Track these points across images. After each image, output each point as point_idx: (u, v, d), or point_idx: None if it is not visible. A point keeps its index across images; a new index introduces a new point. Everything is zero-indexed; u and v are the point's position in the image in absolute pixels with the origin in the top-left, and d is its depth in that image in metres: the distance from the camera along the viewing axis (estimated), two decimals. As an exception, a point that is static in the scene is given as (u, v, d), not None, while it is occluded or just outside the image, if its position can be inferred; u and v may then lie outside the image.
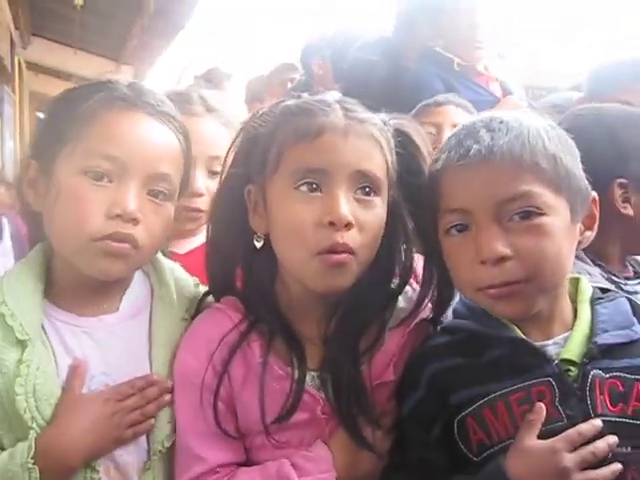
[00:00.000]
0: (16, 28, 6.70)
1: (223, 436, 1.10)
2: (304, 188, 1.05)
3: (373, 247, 1.08)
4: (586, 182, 1.06)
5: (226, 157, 1.19)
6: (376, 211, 1.08)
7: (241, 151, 1.15)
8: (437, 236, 1.09)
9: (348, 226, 1.03)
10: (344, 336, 1.11)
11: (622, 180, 1.39)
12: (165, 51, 7.01)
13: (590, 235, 1.09)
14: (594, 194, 1.08)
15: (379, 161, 1.08)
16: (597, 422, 0.96)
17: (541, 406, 0.98)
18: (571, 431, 0.96)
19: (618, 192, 1.39)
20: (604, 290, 1.15)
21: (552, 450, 0.94)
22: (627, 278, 1.45)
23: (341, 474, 1.07)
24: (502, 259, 0.98)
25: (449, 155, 1.04)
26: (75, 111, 1.11)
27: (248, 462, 1.13)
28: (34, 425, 1.05)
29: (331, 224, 1.02)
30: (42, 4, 6.11)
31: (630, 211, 1.40)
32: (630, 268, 1.50)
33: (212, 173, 1.58)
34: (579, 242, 1.07)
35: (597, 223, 1.09)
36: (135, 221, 1.09)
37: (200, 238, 1.60)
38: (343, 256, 1.03)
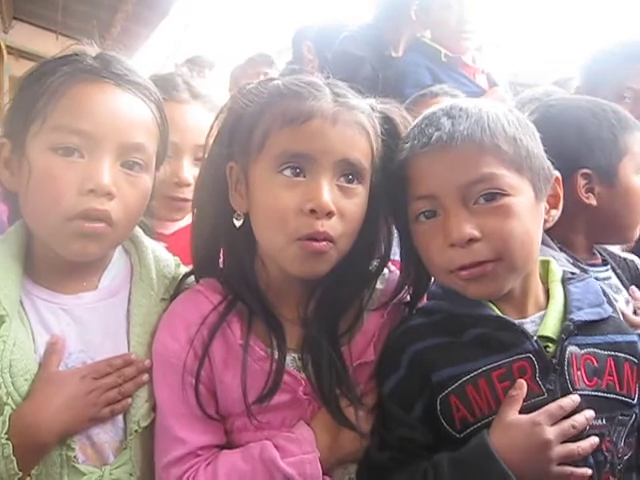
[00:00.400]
0: (-3, 12, 6.61)
1: (204, 418, 1.09)
2: (287, 172, 1.05)
3: (353, 235, 1.08)
4: (548, 162, 1.09)
5: (210, 131, 1.17)
6: (358, 200, 1.08)
7: (225, 128, 1.14)
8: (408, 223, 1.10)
9: (329, 214, 1.03)
10: (323, 317, 1.11)
11: (586, 170, 1.41)
12: (148, 39, 6.95)
13: (556, 214, 1.12)
14: (557, 173, 1.11)
15: (365, 149, 1.08)
16: (576, 397, 1.01)
17: (522, 382, 1.01)
18: (552, 405, 0.99)
19: (582, 182, 1.41)
20: (571, 273, 1.19)
21: (534, 424, 0.98)
22: (594, 265, 1.49)
23: (324, 454, 1.07)
24: (471, 241, 1.00)
25: (413, 144, 1.06)
26: (41, 86, 1.09)
27: (229, 445, 1.13)
28: (9, 401, 1.03)
29: (312, 212, 1.02)
30: (24, -12, 6.04)
31: (593, 201, 1.42)
32: (598, 256, 1.54)
33: (198, 161, 1.55)
34: (545, 221, 1.10)
35: (562, 202, 1.12)
36: (110, 195, 1.07)
37: (187, 219, 1.60)
38: (322, 244, 1.04)
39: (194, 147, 1.55)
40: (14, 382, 1.04)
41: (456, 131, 1.02)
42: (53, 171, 1.06)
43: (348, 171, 1.06)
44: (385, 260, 1.18)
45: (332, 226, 1.03)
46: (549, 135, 1.11)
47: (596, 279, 1.28)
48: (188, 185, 1.55)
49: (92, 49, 1.17)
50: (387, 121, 1.14)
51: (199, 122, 1.57)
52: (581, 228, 1.46)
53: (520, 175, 1.03)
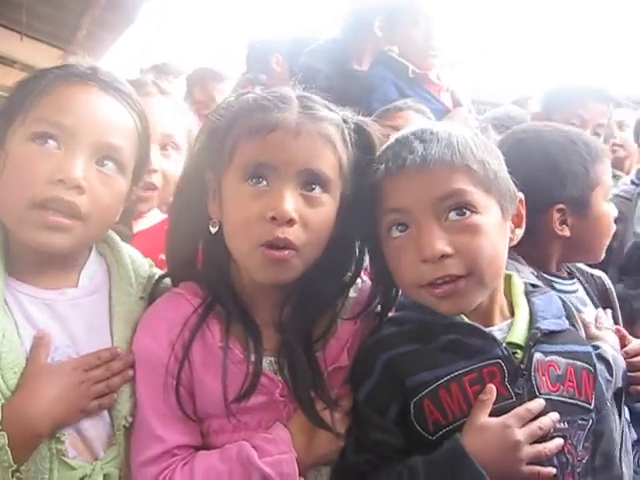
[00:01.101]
0: (-42, 10, 6.46)
1: (183, 419, 1.11)
2: (251, 182, 1.08)
3: (318, 244, 1.10)
4: (512, 184, 1.15)
5: (195, 142, 1.21)
6: (323, 209, 1.10)
7: (202, 140, 1.18)
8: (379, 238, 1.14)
9: (290, 222, 1.05)
10: (297, 323, 1.15)
11: (560, 206, 1.49)
12: (114, 44, 6.88)
13: (520, 232, 1.18)
14: (520, 195, 1.18)
15: (330, 160, 1.10)
16: (542, 400, 1.07)
17: (492, 387, 1.06)
18: (520, 408, 1.06)
19: (556, 216, 1.49)
20: (533, 286, 1.26)
21: (504, 426, 1.04)
22: (560, 277, 1.56)
23: (301, 455, 1.10)
24: (443, 257, 1.04)
25: (387, 165, 1.10)
26: (30, 86, 1.13)
27: (205, 447, 1.15)
28: None
29: (273, 219, 1.05)
30: (-12, -13, 5.93)
31: (567, 232, 1.51)
32: (564, 270, 1.61)
33: (165, 149, 1.61)
34: (510, 239, 1.15)
35: (524, 221, 1.19)
36: (80, 189, 1.08)
37: (148, 220, 1.62)
38: (284, 253, 1.06)
39: (161, 135, 1.59)
40: (3, 375, 1.05)
41: (428, 154, 1.06)
42: (27, 158, 1.08)
43: (311, 181, 1.09)
44: (358, 270, 1.22)
45: (294, 233, 1.06)
46: (522, 171, 1.17)
47: (562, 291, 1.37)
48: (155, 171, 1.56)
49: (86, 60, 1.20)
50: (361, 132, 1.17)
51: (165, 113, 1.62)
52: (555, 254, 1.55)
53: (488, 195, 1.09)
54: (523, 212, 1.18)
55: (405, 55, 2.74)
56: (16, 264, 1.14)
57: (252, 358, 1.11)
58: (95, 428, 1.13)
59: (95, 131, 1.11)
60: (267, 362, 1.14)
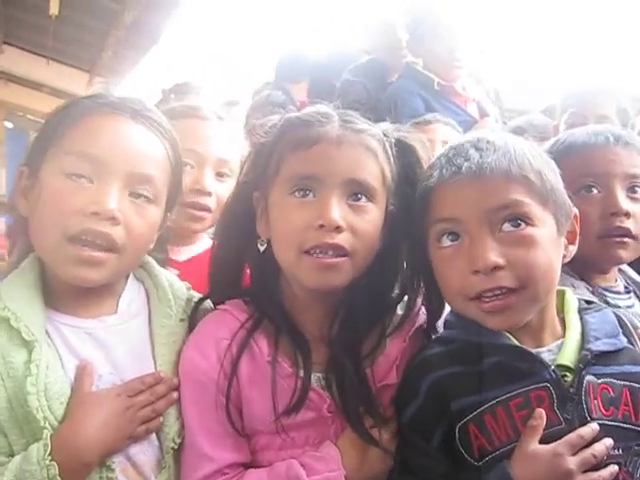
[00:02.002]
0: (-13, 37, 6.60)
1: (232, 436, 1.12)
2: (298, 194, 1.10)
3: (367, 251, 1.12)
4: (568, 199, 1.12)
5: (241, 168, 1.25)
6: (370, 217, 1.12)
7: (249, 160, 1.22)
8: (426, 249, 1.12)
9: (338, 229, 1.07)
10: (346, 339, 1.14)
11: None
12: (139, 64, 6.98)
13: (573, 249, 1.15)
14: (575, 210, 1.15)
15: (373, 170, 1.12)
16: (595, 426, 1.02)
17: (541, 412, 1.02)
18: (572, 435, 1.00)
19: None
20: (588, 302, 1.21)
21: (555, 454, 0.99)
22: (616, 292, 1.51)
23: (350, 473, 1.10)
24: (495, 268, 1.02)
25: (441, 172, 1.09)
26: (62, 117, 1.14)
27: (251, 464, 1.15)
28: (47, 425, 1.05)
29: (321, 227, 1.07)
30: (15, 13, 6.03)
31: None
32: (620, 284, 1.56)
33: (219, 176, 1.61)
34: (564, 256, 1.12)
35: (578, 238, 1.15)
36: (114, 220, 1.09)
37: (199, 246, 1.65)
38: (335, 260, 1.08)
39: (217, 159, 1.60)
40: (50, 405, 1.05)
41: (485, 162, 1.04)
42: (61, 192, 1.09)
43: (356, 190, 1.11)
44: (406, 287, 1.21)
45: (344, 239, 1.08)
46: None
47: (618, 307, 1.32)
48: (209, 194, 1.57)
49: (117, 90, 1.21)
50: (403, 146, 1.19)
51: (221, 137, 1.64)
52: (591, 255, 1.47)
53: (544, 208, 1.06)
54: (577, 229, 1.15)
55: (430, 68, 2.76)
56: (54, 296, 1.16)
57: (300, 373, 1.11)
58: (144, 453, 1.13)
59: (127, 161, 1.12)
60: (315, 378, 1.14)
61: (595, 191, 1.43)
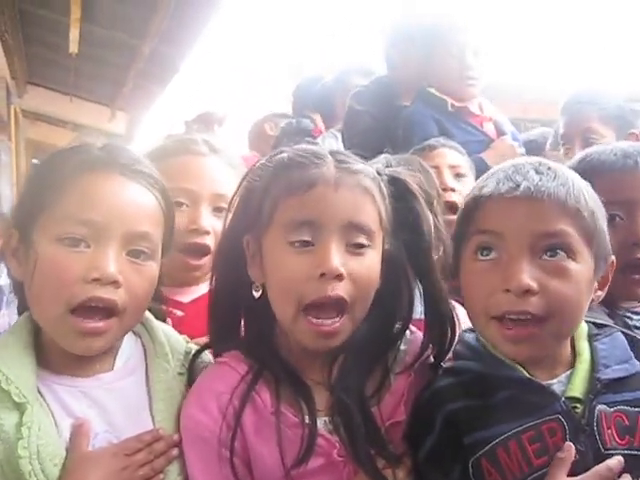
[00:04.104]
0: (12, 77, 6.78)
1: None
2: (296, 240, 1.07)
3: (367, 298, 1.10)
4: (609, 245, 1.11)
5: (229, 206, 1.20)
6: (369, 262, 1.09)
7: (240, 202, 1.18)
8: (458, 262, 1.12)
9: (339, 277, 1.04)
10: (349, 380, 1.12)
11: None
12: (160, 95, 7.06)
13: (601, 295, 1.13)
14: (613, 258, 1.14)
15: (371, 212, 1.10)
16: (621, 458, 1.00)
17: (570, 444, 1.00)
18: (601, 467, 0.99)
19: None
20: (599, 325, 1.18)
21: None
22: (636, 312, 1.46)
23: None
24: (527, 292, 1.01)
25: (497, 186, 1.08)
26: (49, 178, 1.12)
27: None
28: None
29: (322, 275, 1.04)
30: (37, 53, 6.19)
31: None
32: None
33: (217, 211, 1.55)
34: (592, 300, 1.11)
35: (607, 285, 1.14)
36: (116, 284, 1.07)
37: (203, 287, 1.58)
38: (333, 328, 1.06)
39: (212, 195, 1.55)
40: (43, 469, 1.03)
41: (543, 186, 1.05)
42: (58, 261, 1.07)
43: (356, 234, 1.08)
44: (407, 323, 1.19)
45: (344, 288, 1.05)
46: None
47: (638, 328, 1.30)
48: (207, 233, 1.53)
49: (98, 139, 1.19)
50: (396, 183, 1.16)
51: (216, 172, 1.59)
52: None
53: (588, 246, 1.06)
54: (610, 276, 1.14)
55: (442, 89, 2.70)
56: (49, 356, 1.14)
57: (306, 420, 1.09)
58: None
59: (123, 222, 1.10)
60: (321, 422, 1.11)
61: (617, 219, 1.38)
